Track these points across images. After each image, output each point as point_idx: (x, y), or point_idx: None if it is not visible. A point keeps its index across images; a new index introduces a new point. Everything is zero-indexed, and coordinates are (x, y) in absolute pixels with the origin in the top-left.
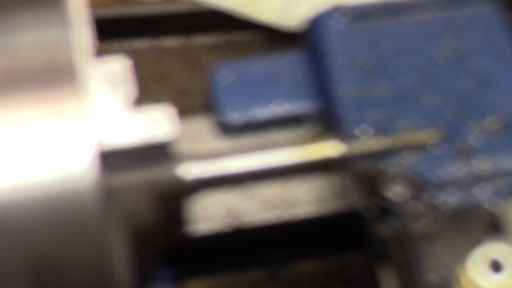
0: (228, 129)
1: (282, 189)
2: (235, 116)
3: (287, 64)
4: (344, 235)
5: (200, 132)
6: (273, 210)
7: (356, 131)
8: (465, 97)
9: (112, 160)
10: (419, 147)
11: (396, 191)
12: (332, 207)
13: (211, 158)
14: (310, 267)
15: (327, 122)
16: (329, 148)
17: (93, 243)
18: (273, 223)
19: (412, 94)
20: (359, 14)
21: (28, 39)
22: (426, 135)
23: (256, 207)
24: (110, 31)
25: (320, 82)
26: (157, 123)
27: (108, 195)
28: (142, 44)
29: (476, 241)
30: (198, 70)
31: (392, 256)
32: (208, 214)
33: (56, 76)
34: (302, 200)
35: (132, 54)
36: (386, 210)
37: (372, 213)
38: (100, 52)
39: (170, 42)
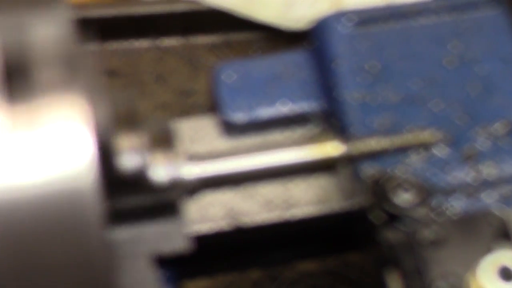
0: (232, 129)
1: (282, 189)
2: (239, 116)
3: (291, 63)
4: (344, 235)
5: (200, 132)
6: (273, 210)
7: (362, 135)
8: (472, 102)
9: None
10: (420, 148)
11: (404, 198)
12: (332, 207)
13: (211, 158)
14: (310, 267)
15: (333, 125)
16: (330, 148)
17: (92, 244)
18: (273, 223)
19: (419, 98)
20: (365, 18)
21: (28, 39)
22: (427, 135)
23: (256, 207)
24: (110, 31)
25: (326, 86)
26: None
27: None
28: (142, 44)
29: (486, 249)
30: (198, 70)
31: (401, 262)
32: (208, 214)
33: (56, 76)
34: (303, 200)
35: (132, 54)
36: (395, 216)
37: (380, 219)
38: (100, 52)
39: (170, 42)
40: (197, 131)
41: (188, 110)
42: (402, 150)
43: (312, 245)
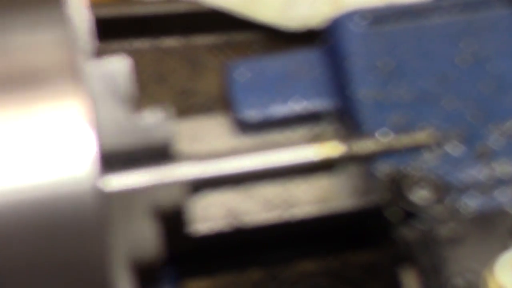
0: (244, 127)
1: (282, 189)
2: (252, 114)
3: (305, 61)
4: (344, 235)
5: (201, 132)
6: (273, 210)
7: (376, 134)
8: (485, 100)
9: (112, 162)
10: (418, 148)
11: (421, 195)
12: (332, 207)
13: (211, 158)
14: (310, 267)
15: (346, 124)
16: (330, 149)
17: (92, 247)
18: (273, 223)
19: (432, 97)
20: (379, 17)
21: (28, 39)
22: (424, 136)
23: (256, 207)
24: (110, 31)
25: (340, 84)
26: (157, 126)
27: (107, 199)
28: (142, 44)
29: (503, 246)
30: (198, 70)
31: (417, 260)
32: (208, 214)
33: (56, 77)
34: (302, 200)
35: (132, 54)
36: (411, 213)
37: (397, 217)
38: (100, 52)
39: (170, 42)
40: (197, 131)
41: (188, 110)
42: (403, 150)
43: (312, 245)
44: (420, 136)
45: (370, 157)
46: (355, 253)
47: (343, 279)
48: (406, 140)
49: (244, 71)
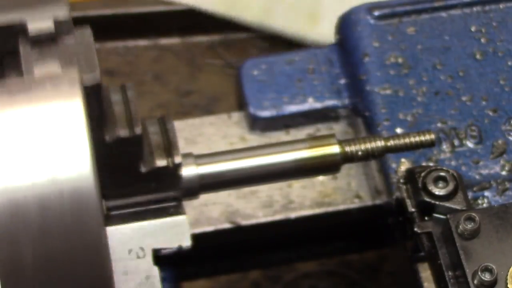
0: (258, 124)
1: (282, 189)
2: (265, 111)
3: (318, 59)
4: (345, 235)
5: (200, 132)
6: (273, 210)
7: (389, 129)
8: (503, 95)
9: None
10: (419, 148)
11: (442, 189)
12: (332, 207)
13: (211, 158)
14: (310, 267)
15: (361, 120)
16: (330, 149)
17: (93, 243)
18: (273, 223)
19: (448, 92)
20: (392, 11)
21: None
22: (425, 135)
23: (256, 207)
24: (109, 30)
25: (352, 80)
26: None
27: None
28: (141, 43)
29: None
30: (197, 69)
31: (437, 253)
32: (208, 214)
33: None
34: (302, 200)
35: (131, 53)
36: (432, 208)
37: (418, 210)
38: (100, 51)
39: (169, 41)
40: (197, 131)
41: (186, 110)
42: (403, 150)
43: (312, 245)
44: (421, 135)
45: (376, 156)
46: (355, 253)
47: (343, 279)
48: (406, 140)
49: (257, 69)
